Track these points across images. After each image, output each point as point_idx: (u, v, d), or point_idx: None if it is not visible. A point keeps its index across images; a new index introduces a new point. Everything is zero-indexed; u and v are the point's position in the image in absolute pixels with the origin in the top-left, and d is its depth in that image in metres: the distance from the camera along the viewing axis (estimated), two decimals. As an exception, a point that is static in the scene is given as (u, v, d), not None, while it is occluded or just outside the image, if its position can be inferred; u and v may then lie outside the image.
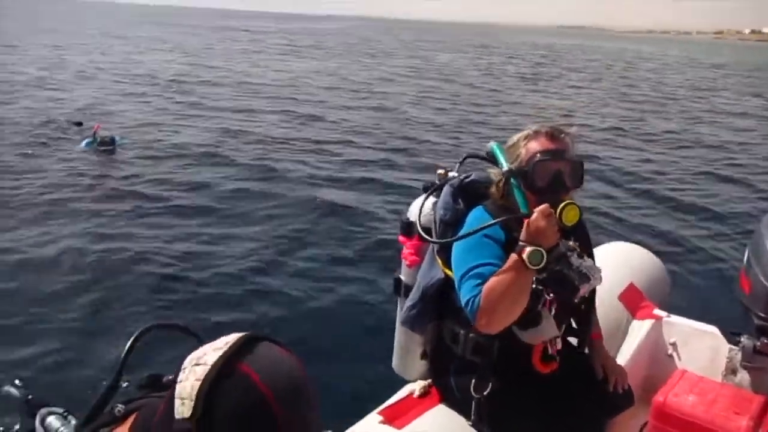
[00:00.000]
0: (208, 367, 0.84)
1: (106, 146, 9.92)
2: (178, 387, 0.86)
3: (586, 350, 2.17)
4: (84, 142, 10.17)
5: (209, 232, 6.58)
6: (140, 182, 8.32)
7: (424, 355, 2.19)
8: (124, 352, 1.14)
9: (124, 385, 1.17)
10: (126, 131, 11.24)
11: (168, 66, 22.89)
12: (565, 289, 1.74)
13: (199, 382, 0.83)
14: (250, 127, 12.34)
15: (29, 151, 9.64)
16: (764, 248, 2.59)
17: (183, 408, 0.83)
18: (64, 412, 1.21)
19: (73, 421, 1.17)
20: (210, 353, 0.87)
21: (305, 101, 16.19)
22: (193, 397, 0.83)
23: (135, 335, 1.14)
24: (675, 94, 22.03)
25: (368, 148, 11.17)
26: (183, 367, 0.88)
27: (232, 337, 0.89)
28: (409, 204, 2.16)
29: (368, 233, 6.76)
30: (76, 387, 3.72)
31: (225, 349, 0.87)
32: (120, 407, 1.05)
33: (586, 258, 1.74)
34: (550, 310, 1.90)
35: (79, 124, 11.67)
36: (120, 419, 1.06)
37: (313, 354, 4.25)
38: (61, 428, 1.17)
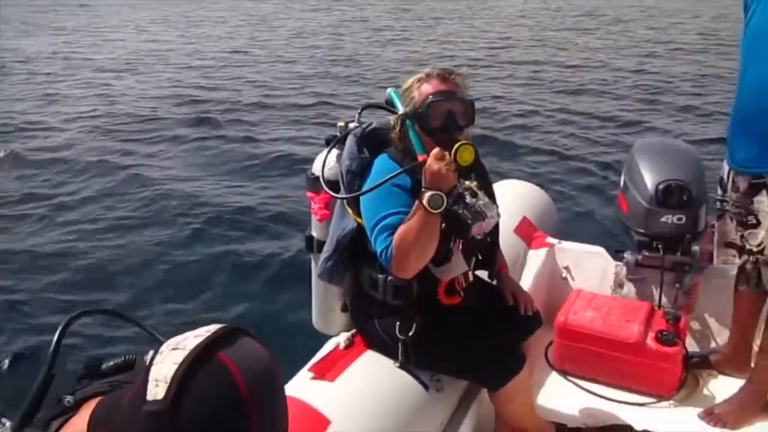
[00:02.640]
0: (187, 351, 0.84)
1: None
2: (153, 369, 0.84)
3: (495, 281, 2.29)
4: None
5: (114, 215, 6.22)
6: (36, 178, 7.43)
7: (344, 308, 2.21)
8: (54, 341, 1.06)
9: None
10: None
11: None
12: (460, 227, 1.78)
13: (176, 366, 0.83)
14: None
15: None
16: (638, 170, 2.84)
17: (157, 390, 0.82)
18: None
19: (8, 423, 1.08)
20: (190, 339, 0.86)
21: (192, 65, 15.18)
22: (168, 380, 0.82)
23: (64, 322, 1.07)
24: (548, 30, 22.44)
25: (268, 107, 10.77)
26: (160, 351, 0.87)
27: (213, 327, 0.89)
28: (313, 159, 2.13)
29: (275, 193, 6.61)
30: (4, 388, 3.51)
31: (205, 336, 0.87)
32: (68, 398, 1.00)
33: (481, 196, 1.78)
34: (458, 247, 1.98)
35: None
36: (72, 409, 1.01)
37: (234, 322, 4.22)
38: None
